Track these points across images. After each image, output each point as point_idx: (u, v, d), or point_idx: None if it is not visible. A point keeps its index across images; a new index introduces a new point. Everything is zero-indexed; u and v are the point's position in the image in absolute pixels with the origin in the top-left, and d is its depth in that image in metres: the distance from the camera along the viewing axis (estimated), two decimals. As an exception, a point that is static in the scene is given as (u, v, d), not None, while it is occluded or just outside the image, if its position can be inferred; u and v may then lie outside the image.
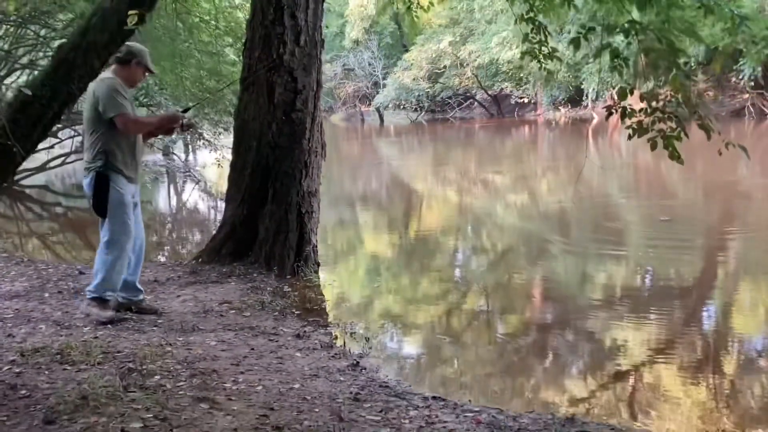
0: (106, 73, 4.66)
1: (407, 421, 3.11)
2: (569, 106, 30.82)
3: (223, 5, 11.00)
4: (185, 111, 5.23)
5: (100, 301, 4.51)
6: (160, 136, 6.80)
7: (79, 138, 16.21)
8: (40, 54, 12.72)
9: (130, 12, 3.18)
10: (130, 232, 4.54)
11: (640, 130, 3.71)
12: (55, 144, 15.37)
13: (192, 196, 13.97)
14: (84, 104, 4.78)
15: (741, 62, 21.18)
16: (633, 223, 9.44)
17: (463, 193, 13.10)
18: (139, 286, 4.83)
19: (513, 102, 33.70)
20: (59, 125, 12.48)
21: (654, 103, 3.65)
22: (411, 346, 4.93)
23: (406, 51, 36.26)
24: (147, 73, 4.81)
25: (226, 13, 10.92)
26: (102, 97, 4.36)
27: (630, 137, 3.80)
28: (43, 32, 12.04)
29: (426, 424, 3.09)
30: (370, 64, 38.59)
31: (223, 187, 7.81)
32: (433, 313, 5.72)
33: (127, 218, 4.50)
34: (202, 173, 16.16)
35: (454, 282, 6.76)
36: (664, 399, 3.91)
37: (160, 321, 4.60)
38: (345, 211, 11.09)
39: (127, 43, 4.84)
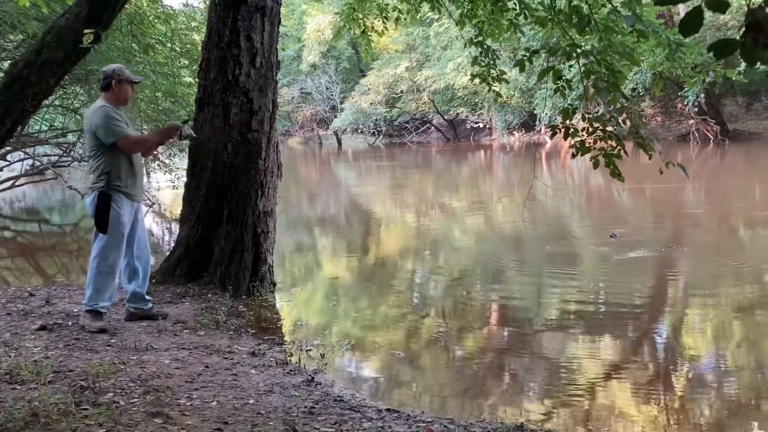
0: (98, 102, 4.92)
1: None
2: (523, 131, 31.46)
3: (179, 27, 11.00)
4: (185, 123, 5.41)
5: (94, 313, 4.81)
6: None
7: (29, 161, 15.94)
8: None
9: (85, 30, 3.20)
10: (121, 249, 4.86)
11: (582, 148, 3.88)
12: (3, 167, 15.03)
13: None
14: (85, 133, 5.08)
15: (685, 89, 21.98)
16: (585, 243, 9.68)
17: (421, 216, 13.24)
18: (147, 297, 5.16)
19: (469, 127, 34.26)
20: (8, 147, 12.25)
21: (595, 123, 3.83)
22: (366, 363, 4.97)
23: (363, 75, 36.61)
24: (134, 85, 5.04)
25: (182, 35, 10.91)
26: (99, 127, 4.70)
27: (573, 156, 3.96)
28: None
29: (379, 434, 3.15)
30: (327, 88, 38.82)
31: (177, 209, 7.76)
32: (389, 331, 5.78)
33: (120, 237, 4.82)
34: (156, 196, 15.96)
35: (411, 303, 6.83)
36: (614, 413, 4.03)
37: (113, 340, 4.57)
38: (302, 235, 11.10)
39: (103, 69, 5.04)
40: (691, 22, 1.26)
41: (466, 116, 32.98)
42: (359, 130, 36.88)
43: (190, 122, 5.86)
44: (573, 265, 8.28)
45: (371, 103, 34.14)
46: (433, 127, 36.92)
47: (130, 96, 5.03)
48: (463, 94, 30.67)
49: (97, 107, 4.83)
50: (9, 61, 11.13)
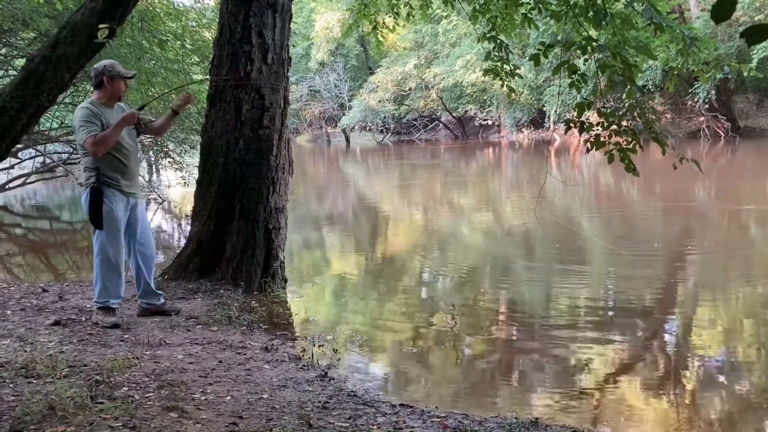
0: (86, 101, 4.93)
1: (375, 427, 3.16)
2: (532, 128, 31.38)
3: (190, 24, 11.02)
4: (140, 109, 5.31)
5: (105, 309, 4.84)
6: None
7: (40, 159, 16.02)
8: (0, 73, 12.56)
9: (100, 26, 3.21)
10: (119, 244, 4.84)
11: (597, 143, 3.86)
12: (15, 164, 15.11)
13: (155, 215, 13.84)
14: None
15: (696, 85, 21.87)
16: (595, 240, 9.65)
17: (429, 213, 13.22)
18: (158, 292, 5.18)
19: (477, 124, 34.18)
20: (20, 145, 12.30)
21: (610, 118, 3.81)
22: (379, 358, 4.97)
23: (372, 73, 36.62)
24: (127, 80, 5.01)
25: (193, 32, 10.93)
26: (74, 128, 4.75)
27: (588, 150, 3.94)
28: (3, 51, 11.91)
29: (394, 429, 3.15)
30: (336, 86, 38.83)
31: (187, 206, 7.78)
32: (401, 327, 5.77)
33: (116, 231, 4.80)
34: (166, 193, 16.01)
35: (420, 299, 6.83)
36: (627, 410, 4.01)
37: (126, 336, 4.59)
38: (312, 231, 11.11)
39: (94, 66, 4.96)
40: (724, 7, 1.25)
41: (475, 113, 32.93)
42: (367, 128, 36.88)
43: (144, 108, 5.72)
44: (583, 262, 8.24)
45: (379, 101, 34.15)
46: (441, 125, 36.89)
47: (123, 92, 4.96)
48: (471, 92, 30.63)
49: (80, 107, 4.82)
50: (21, 59, 11.20)
